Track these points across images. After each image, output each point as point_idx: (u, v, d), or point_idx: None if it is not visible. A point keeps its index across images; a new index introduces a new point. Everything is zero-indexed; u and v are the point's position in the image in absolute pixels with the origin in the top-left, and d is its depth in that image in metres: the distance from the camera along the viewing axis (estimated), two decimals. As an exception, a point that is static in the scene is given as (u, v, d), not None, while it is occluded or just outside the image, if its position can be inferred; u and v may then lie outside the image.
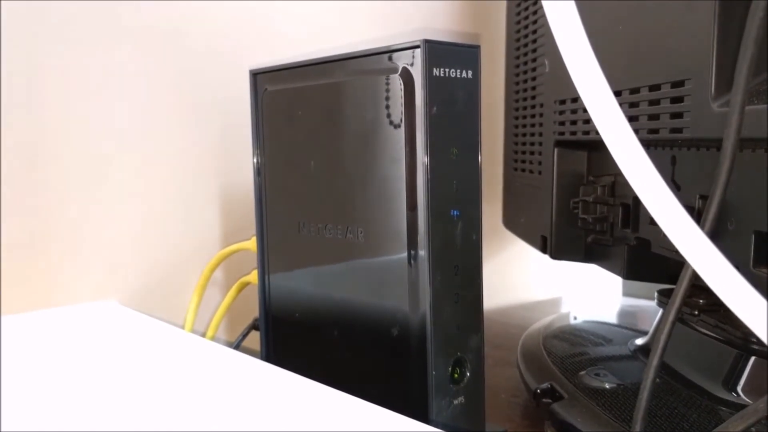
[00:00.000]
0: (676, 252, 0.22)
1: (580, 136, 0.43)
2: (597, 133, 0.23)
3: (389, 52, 0.33)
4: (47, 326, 0.43)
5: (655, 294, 0.45)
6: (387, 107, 0.33)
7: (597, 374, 0.41)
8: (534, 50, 0.51)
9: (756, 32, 0.21)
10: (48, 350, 0.38)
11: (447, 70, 0.32)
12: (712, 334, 0.38)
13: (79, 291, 0.49)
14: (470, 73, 0.33)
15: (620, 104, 0.36)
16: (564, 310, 0.73)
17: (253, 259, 0.44)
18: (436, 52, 0.32)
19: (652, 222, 0.22)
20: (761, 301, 0.20)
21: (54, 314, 0.46)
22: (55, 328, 0.43)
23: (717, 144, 0.30)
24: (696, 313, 0.39)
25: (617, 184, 0.42)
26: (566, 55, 0.22)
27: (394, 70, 0.33)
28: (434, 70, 0.32)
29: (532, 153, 0.51)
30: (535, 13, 0.50)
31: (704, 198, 0.33)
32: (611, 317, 0.60)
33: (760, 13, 0.21)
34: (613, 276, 0.46)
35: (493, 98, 0.66)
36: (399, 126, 0.33)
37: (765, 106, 0.27)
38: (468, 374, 0.34)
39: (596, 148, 0.44)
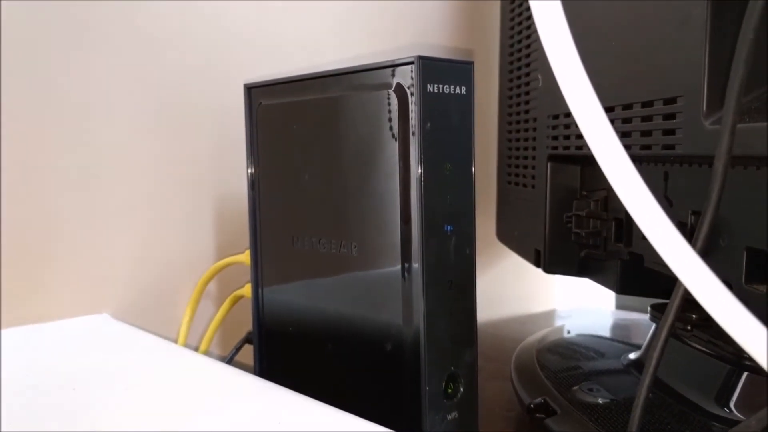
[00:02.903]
0: (669, 268, 0.22)
1: (573, 151, 0.43)
2: (590, 148, 0.23)
3: (384, 67, 0.33)
4: (39, 340, 0.43)
5: (648, 308, 0.45)
6: (381, 122, 0.33)
7: (590, 389, 0.41)
8: (527, 65, 0.51)
9: (747, 54, 0.22)
10: (40, 364, 0.38)
11: (441, 86, 0.32)
12: (704, 349, 0.38)
13: (71, 304, 0.49)
14: (464, 88, 0.33)
15: (613, 120, 0.36)
16: (558, 323, 0.73)
17: (247, 273, 0.44)
18: (430, 68, 0.32)
19: (645, 237, 0.22)
20: (751, 318, 0.21)
21: (46, 328, 0.46)
22: (47, 341, 0.43)
23: (709, 160, 0.30)
24: (689, 328, 0.39)
25: (610, 198, 0.42)
26: (557, 71, 0.22)
27: (389, 86, 0.33)
28: (428, 86, 0.32)
29: (525, 167, 0.51)
30: (528, 28, 0.51)
31: (697, 214, 0.33)
32: (605, 331, 0.61)
33: (750, 35, 0.21)
34: (607, 289, 0.46)
35: (487, 112, 0.67)
36: (393, 141, 0.33)
37: (756, 124, 0.27)
38: (462, 389, 0.34)
39: (589, 162, 0.45)
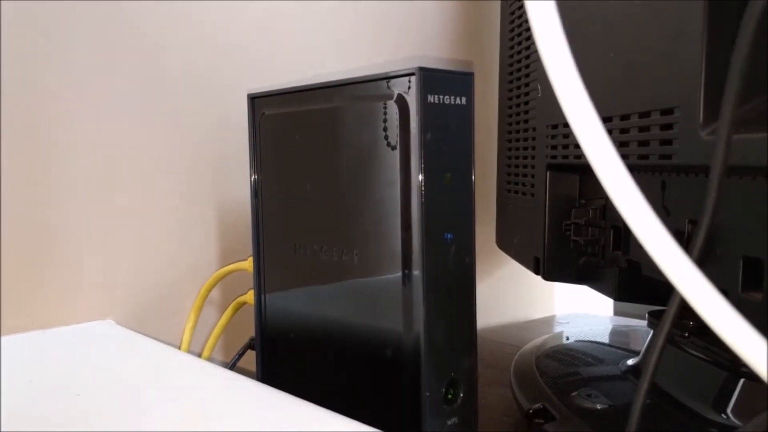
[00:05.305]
0: (665, 276, 0.23)
1: (571, 160, 0.43)
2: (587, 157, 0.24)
3: (385, 78, 0.34)
4: (44, 346, 0.43)
5: (646, 315, 0.45)
6: (382, 132, 0.34)
7: (588, 395, 0.41)
8: (527, 75, 0.51)
9: (741, 67, 0.22)
10: (45, 370, 0.39)
11: (441, 96, 0.33)
12: (701, 355, 0.38)
13: (75, 311, 0.49)
14: (464, 99, 0.34)
15: (611, 130, 0.37)
16: (557, 329, 0.74)
17: (250, 280, 0.44)
18: (430, 79, 0.33)
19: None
20: (747, 327, 0.21)
21: (50, 334, 0.46)
22: (51, 347, 0.43)
23: (705, 170, 0.30)
24: (686, 334, 0.39)
25: (608, 207, 0.42)
26: (554, 82, 0.22)
27: (390, 97, 0.33)
28: (429, 96, 0.32)
29: (524, 176, 0.52)
30: (527, 39, 0.51)
31: (694, 223, 0.34)
32: (603, 337, 0.61)
33: (745, 50, 0.22)
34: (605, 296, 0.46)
35: (487, 122, 0.67)
36: (394, 151, 0.33)
37: (751, 135, 0.27)
38: (461, 395, 0.35)
39: (588, 171, 0.45)
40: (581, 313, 0.82)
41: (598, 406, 0.40)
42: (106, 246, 0.50)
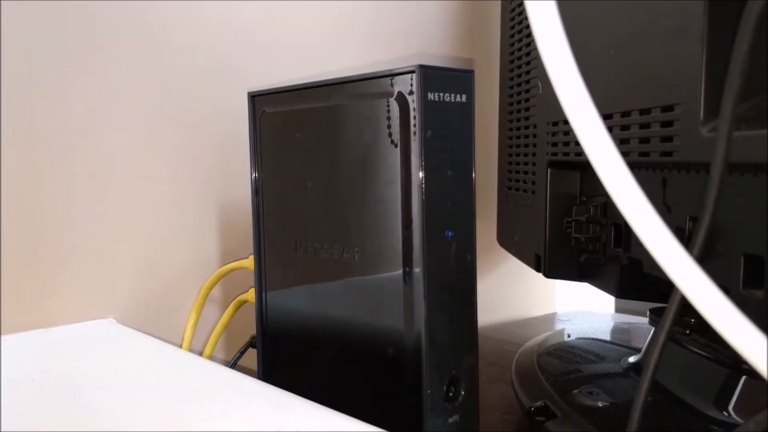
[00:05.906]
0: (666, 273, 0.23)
1: (572, 157, 0.43)
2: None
3: (385, 76, 0.34)
4: (45, 344, 0.43)
5: (648, 312, 0.45)
6: (383, 130, 0.34)
7: (590, 392, 0.41)
8: (527, 72, 0.51)
9: (741, 65, 0.22)
10: (46, 368, 0.39)
11: (442, 94, 0.33)
12: (703, 353, 0.38)
13: (76, 309, 0.49)
14: (464, 97, 0.34)
15: (612, 127, 0.37)
16: (558, 327, 0.74)
17: (251, 278, 0.44)
18: (431, 76, 0.33)
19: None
20: (748, 324, 0.21)
21: (51, 333, 0.46)
22: (53, 346, 0.43)
23: (706, 167, 0.30)
24: (687, 332, 0.39)
25: (609, 204, 0.42)
26: (554, 79, 0.22)
27: (390, 95, 0.33)
28: (429, 94, 0.32)
29: (525, 173, 0.52)
30: (528, 36, 0.51)
31: (695, 220, 0.34)
32: (605, 334, 0.61)
33: (745, 47, 0.22)
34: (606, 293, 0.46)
35: (488, 119, 0.67)
36: (395, 148, 0.33)
37: (752, 132, 0.27)
38: (462, 392, 0.35)
39: (588, 168, 0.45)
40: (582, 310, 0.82)
41: (600, 404, 0.40)
42: (106, 245, 0.50)
